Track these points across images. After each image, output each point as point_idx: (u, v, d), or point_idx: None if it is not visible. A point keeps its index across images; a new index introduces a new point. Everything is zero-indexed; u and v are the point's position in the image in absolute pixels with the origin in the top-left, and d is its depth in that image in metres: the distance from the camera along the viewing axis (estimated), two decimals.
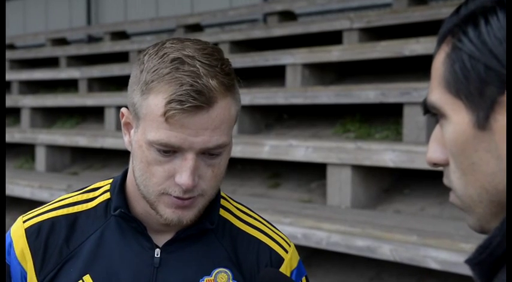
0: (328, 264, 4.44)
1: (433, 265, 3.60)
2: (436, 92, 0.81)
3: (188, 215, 1.20)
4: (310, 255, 4.38)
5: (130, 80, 1.22)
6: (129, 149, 1.25)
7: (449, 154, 0.81)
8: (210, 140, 1.15)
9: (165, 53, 1.16)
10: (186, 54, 1.15)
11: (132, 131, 1.23)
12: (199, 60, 1.15)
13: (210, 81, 1.14)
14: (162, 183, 1.18)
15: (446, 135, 0.81)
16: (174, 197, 1.18)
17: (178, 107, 1.12)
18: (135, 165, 1.22)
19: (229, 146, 1.22)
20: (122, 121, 1.25)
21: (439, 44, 0.82)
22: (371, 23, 6.20)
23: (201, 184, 1.19)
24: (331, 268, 4.41)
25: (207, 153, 1.18)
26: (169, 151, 1.16)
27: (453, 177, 0.81)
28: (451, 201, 0.83)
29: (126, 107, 1.24)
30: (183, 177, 1.15)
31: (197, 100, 1.12)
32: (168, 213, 1.20)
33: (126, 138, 1.25)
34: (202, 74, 1.13)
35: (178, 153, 1.16)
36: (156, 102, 1.14)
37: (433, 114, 0.83)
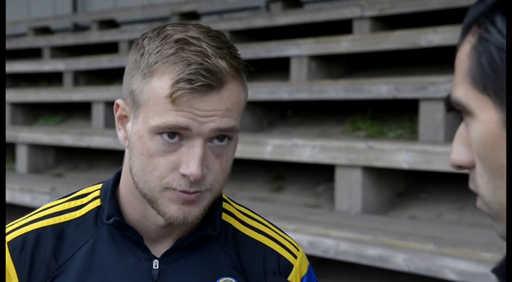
0: (336, 275, 4.43)
1: (451, 276, 3.60)
2: (460, 87, 0.81)
3: (194, 212, 1.19)
4: (316, 264, 4.38)
5: (127, 68, 1.22)
6: (125, 145, 1.24)
7: (476, 156, 0.80)
8: (221, 120, 1.15)
9: (168, 35, 1.17)
10: (190, 35, 1.16)
11: (128, 124, 1.22)
12: (205, 41, 1.16)
13: (220, 61, 1.15)
14: (165, 176, 1.17)
15: (472, 135, 0.80)
16: (180, 191, 1.17)
17: (188, 86, 1.12)
18: (133, 161, 1.20)
19: (237, 135, 1.22)
20: (116, 115, 1.24)
21: (464, 34, 0.81)
22: (384, 11, 6.20)
23: (209, 177, 1.17)
24: (340, 279, 4.41)
25: (216, 139, 1.17)
26: (175, 137, 1.15)
27: (480, 182, 0.81)
28: (478, 207, 0.83)
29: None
30: (191, 167, 1.14)
31: (208, 79, 1.13)
32: (173, 210, 1.18)
33: (120, 134, 1.24)
34: (210, 54, 1.14)
35: (185, 141, 1.15)
36: (160, 84, 1.14)
37: (457, 112, 0.82)
